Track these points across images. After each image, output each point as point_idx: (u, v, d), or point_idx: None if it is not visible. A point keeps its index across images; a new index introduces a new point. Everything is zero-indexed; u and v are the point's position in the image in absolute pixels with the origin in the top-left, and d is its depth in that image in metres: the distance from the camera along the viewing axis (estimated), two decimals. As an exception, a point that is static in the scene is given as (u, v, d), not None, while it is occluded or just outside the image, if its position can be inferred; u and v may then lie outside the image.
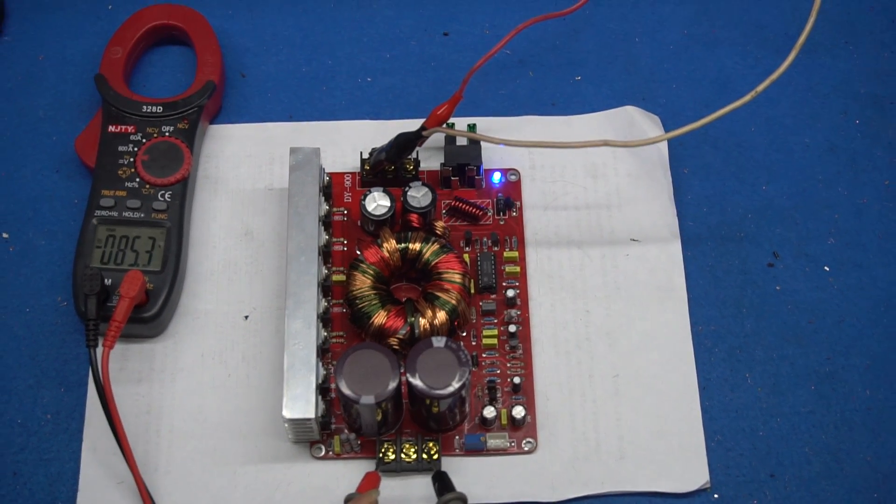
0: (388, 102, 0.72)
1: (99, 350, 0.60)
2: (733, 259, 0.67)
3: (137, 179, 0.66)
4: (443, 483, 0.58)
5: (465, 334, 0.64)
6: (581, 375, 0.64)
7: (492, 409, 0.62)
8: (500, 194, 0.68)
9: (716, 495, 0.61)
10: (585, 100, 0.72)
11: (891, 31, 0.75)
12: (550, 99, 0.72)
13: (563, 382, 0.63)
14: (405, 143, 0.66)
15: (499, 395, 0.63)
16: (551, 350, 0.64)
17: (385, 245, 0.64)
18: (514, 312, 0.65)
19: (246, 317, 0.65)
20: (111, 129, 0.67)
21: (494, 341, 0.64)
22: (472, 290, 0.65)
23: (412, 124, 0.67)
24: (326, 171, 0.68)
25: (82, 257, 0.64)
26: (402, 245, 0.64)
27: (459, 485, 0.59)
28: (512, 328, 0.64)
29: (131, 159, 0.66)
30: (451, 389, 0.58)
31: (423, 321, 0.62)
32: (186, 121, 0.68)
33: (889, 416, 0.63)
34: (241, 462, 0.61)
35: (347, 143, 0.70)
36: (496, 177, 0.69)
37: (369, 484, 0.57)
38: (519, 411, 0.61)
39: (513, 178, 0.69)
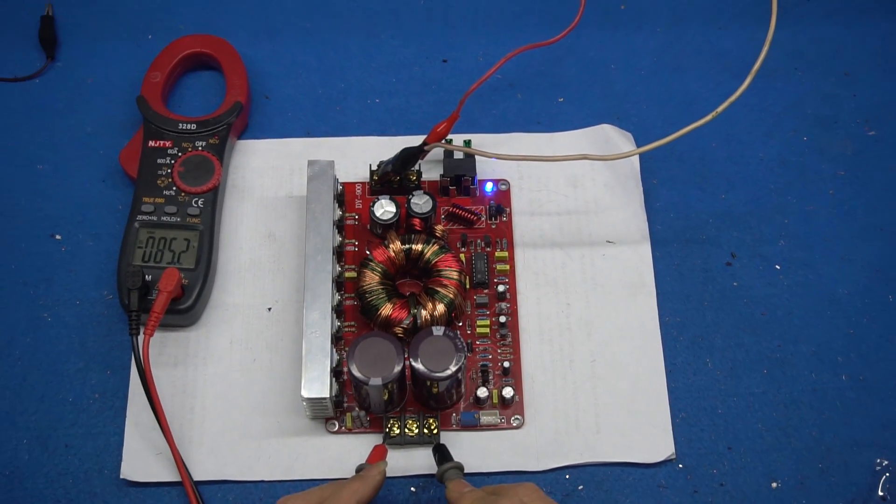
0: (393, 121, 0.72)
1: (140, 338, 0.61)
2: (696, 258, 0.67)
3: (174, 188, 0.66)
4: (442, 454, 0.58)
5: (461, 324, 0.65)
6: (563, 360, 0.64)
7: (484, 389, 0.62)
8: (492, 202, 0.68)
9: (680, 465, 0.61)
10: (567, 119, 0.72)
11: (835, 60, 0.75)
12: (536, 118, 0.73)
13: (547, 366, 0.64)
14: (409, 157, 0.66)
15: (490, 377, 0.63)
16: (537, 338, 0.65)
17: (391, 246, 0.64)
18: (504, 305, 0.65)
19: (269, 309, 0.65)
20: (151, 144, 0.68)
21: (487, 330, 0.64)
22: (468, 286, 0.65)
23: (415, 140, 0.67)
24: (340, 180, 0.68)
25: (126, 256, 0.64)
26: (406, 246, 0.64)
27: (456, 456, 0.59)
28: (502, 319, 0.64)
29: (169, 170, 0.67)
30: (448, 372, 0.58)
31: (424, 313, 0.62)
32: (217, 137, 0.68)
33: (832, 397, 0.63)
34: (264, 436, 0.62)
35: (358, 156, 0.70)
36: (489, 186, 0.69)
37: (378, 456, 0.58)
38: (508, 392, 0.62)
39: (503, 187, 0.69)
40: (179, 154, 0.67)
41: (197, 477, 0.60)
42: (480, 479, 0.61)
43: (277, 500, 0.54)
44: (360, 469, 0.57)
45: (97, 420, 0.62)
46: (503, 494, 0.52)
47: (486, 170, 0.69)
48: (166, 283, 0.62)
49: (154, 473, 0.60)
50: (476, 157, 0.68)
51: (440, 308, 0.62)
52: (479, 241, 0.67)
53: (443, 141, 0.66)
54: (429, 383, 0.59)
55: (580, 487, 0.61)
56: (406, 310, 0.62)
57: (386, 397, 0.60)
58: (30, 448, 0.61)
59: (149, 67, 0.71)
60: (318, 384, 0.59)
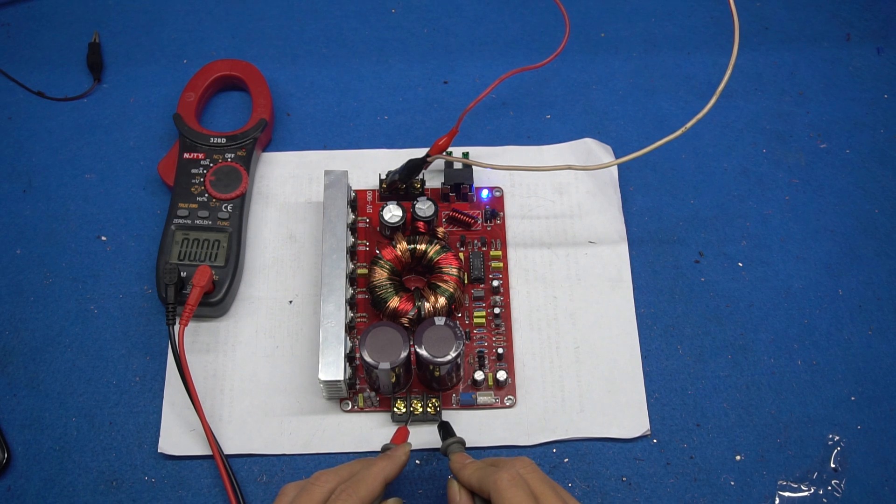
0: (400, 135, 0.72)
1: (176, 327, 0.60)
2: (668, 257, 0.67)
3: (206, 195, 0.66)
4: (446, 430, 0.58)
5: (460, 315, 0.64)
6: (550, 347, 0.63)
7: (481, 373, 0.61)
8: (487, 206, 0.68)
9: (654, 440, 0.61)
10: (553, 133, 0.72)
11: (789, 81, 0.74)
12: (526, 132, 0.72)
13: (536, 352, 0.63)
14: (414, 167, 0.66)
15: (486, 362, 0.63)
16: (527, 327, 0.64)
17: (398, 246, 0.64)
18: (498, 298, 0.65)
19: (290, 302, 0.65)
20: (186, 156, 0.67)
21: (483, 320, 0.64)
22: (466, 281, 0.65)
23: (419, 152, 0.67)
24: (353, 188, 0.68)
25: (163, 255, 0.63)
26: (412, 246, 0.64)
27: (456, 432, 0.58)
28: (496, 310, 0.64)
29: (201, 179, 0.66)
30: (449, 357, 0.58)
31: (427, 305, 0.62)
32: (244, 149, 0.68)
33: (788, 379, 0.63)
34: (286, 414, 0.61)
35: (369, 166, 0.70)
36: (484, 193, 0.68)
37: (401, 437, 0.57)
38: (502, 375, 0.61)
39: (497, 194, 0.69)
40: (211, 165, 0.67)
41: (226, 451, 0.60)
42: (478, 452, 0.60)
43: (313, 473, 0.52)
44: (385, 449, 0.56)
45: (138, 400, 0.62)
46: (501, 466, 0.51)
47: (482, 178, 0.69)
48: (199, 278, 0.61)
49: (188, 448, 0.60)
50: (473, 167, 0.68)
51: (441, 301, 0.62)
52: (476, 241, 0.67)
53: (444, 153, 0.66)
54: (431, 367, 0.59)
55: (566, 460, 0.60)
56: (411, 302, 0.62)
57: (393, 380, 0.59)
58: (78, 425, 0.61)
59: (184, 88, 0.71)
60: (333, 368, 0.58)
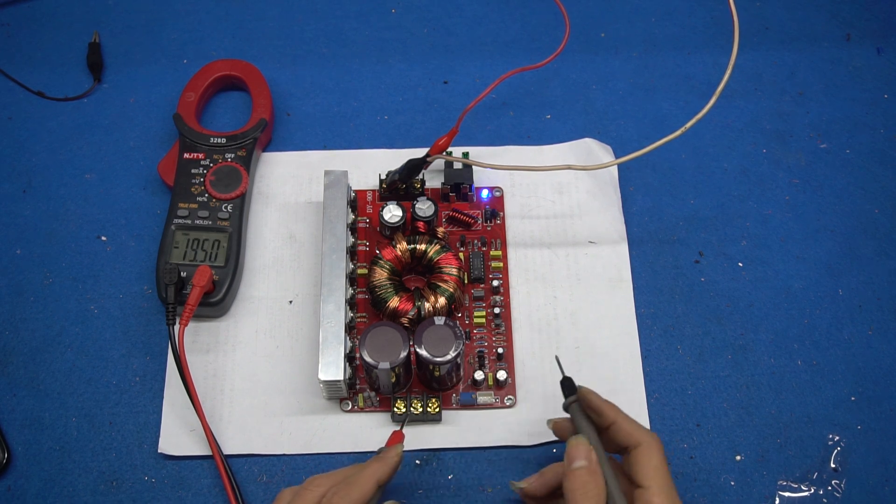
0: (400, 135, 0.72)
1: (176, 327, 0.60)
2: (668, 257, 0.67)
3: (206, 195, 0.66)
4: (568, 387, 0.55)
5: (460, 315, 0.64)
6: (550, 347, 0.63)
7: (481, 372, 0.61)
8: (487, 206, 0.68)
9: (654, 440, 0.61)
10: (553, 133, 0.72)
11: (790, 81, 0.74)
12: (526, 133, 0.72)
13: (536, 352, 0.63)
14: (414, 167, 0.66)
15: (486, 362, 0.63)
16: (527, 327, 0.64)
17: (398, 246, 0.64)
18: (498, 298, 0.65)
19: (290, 302, 0.65)
20: (186, 156, 0.67)
21: (483, 320, 0.64)
22: (466, 281, 0.65)
23: (419, 152, 0.67)
24: (353, 188, 0.68)
25: (163, 255, 0.63)
26: (412, 246, 0.64)
27: (455, 433, 0.58)
28: (497, 310, 0.64)
29: (202, 179, 0.66)
30: (449, 357, 0.58)
31: (427, 305, 0.62)
32: (244, 149, 0.68)
33: (788, 379, 0.63)
34: (286, 414, 0.61)
35: (369, 166, 0.70)
36: (484, 193, 0.68)
37: (395, 440, 0.57)
38: (502, 375, 0.61)
39: (497, 193, 0.69)
40: (211, 165, 0.67)
41: (226, 451, 0.60)
42: (477, 452, 0.60)
43: (307, 478, 0.52)
44: (380, 451, 0.56)
45: (138, 400, 0.62)
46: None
47: (482, 178, 0.69)
48: (199, 278, 0.61)
49: (188, 448, 0.60)
50: (473, 167, 0.68)
51: (441, 301, 0.62)
52: (476, 241, 0.67)
53: (444, 153, 0.66)
54: (431, 367, 0.59)
55: (566, 460, 0.60)
56: (411, 302, 0.62)
57: (393, 380, 0.59)
58: (78, 425, 0.61)
59: (184, 88, 0.71)
60: (333, 368, 0.58)
